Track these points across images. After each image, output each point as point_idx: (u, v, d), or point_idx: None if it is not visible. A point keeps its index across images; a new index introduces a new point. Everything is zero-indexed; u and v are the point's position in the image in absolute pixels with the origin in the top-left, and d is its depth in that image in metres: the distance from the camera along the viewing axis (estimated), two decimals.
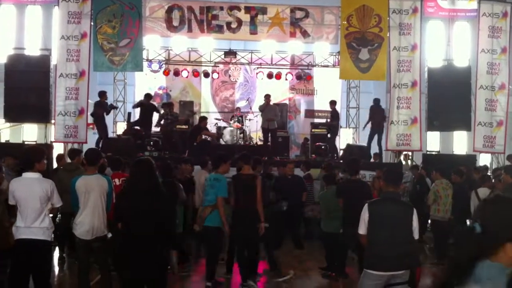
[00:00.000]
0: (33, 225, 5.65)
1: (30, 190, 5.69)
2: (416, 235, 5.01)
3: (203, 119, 15.97)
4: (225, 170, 8.11)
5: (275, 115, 16.01)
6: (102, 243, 6.35)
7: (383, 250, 4.98)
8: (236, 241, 8.05)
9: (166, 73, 18.39)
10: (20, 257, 5.75)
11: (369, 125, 16.46)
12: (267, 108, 16.04)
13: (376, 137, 16.12)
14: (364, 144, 16.51)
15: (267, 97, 16.26)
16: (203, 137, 15.54)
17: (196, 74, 18.66)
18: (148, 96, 16.19)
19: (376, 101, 16.34)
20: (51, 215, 6.13)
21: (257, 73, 18.73)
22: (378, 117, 15.95)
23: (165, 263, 5.92)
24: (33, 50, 17.00)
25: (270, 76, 18.43)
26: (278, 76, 18.44)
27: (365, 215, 5.20)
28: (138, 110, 16.32)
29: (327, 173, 10.47)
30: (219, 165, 8.07)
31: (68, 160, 10.06)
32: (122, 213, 5.41)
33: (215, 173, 8.05)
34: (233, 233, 7.90)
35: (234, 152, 11.92)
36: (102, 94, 15.43)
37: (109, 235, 6.53)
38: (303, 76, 19.09)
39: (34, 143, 16.09)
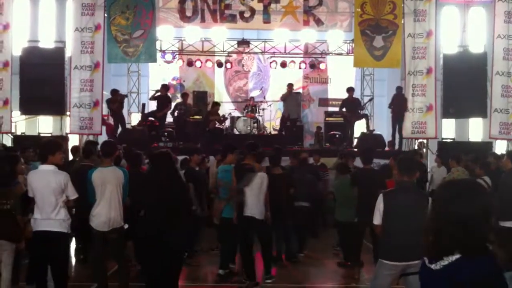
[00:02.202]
0: (49, 217, 5.72)
1: (45, 182, 5.75)
2: None
3: (214, 105, 15.92)
4: (231, 160, 8.09)
5: (297, 104, 15.99)
6: (118, 234, 6.40)
7: (399, 240, 4.97)
8: (244, 234, 7.85)
9: (181, 64, 18.44)
10: (37, 248, 5.83)
11: (390, 113, 16.25)
12: (289, 97, 16.06)
13: (397, 125, 15.83)
14: (379, 132, 16.40)
15: (290, 86, 16.24)
16: (216, 124, 15.50)
17: (216, 63, 18.55)
18: (165, 87, 15.99)
19: (399, 89, 15.98)
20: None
21: (270, 63, 18.63)
22: (399, 105, 15.59)
23: (182, 250, 6.12)
24: (47, 42, 17.11)
25: (283, 65, 18.35)
26: (283, 65, 18.34)
27: (380, 205, 5.17)
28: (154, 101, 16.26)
29: (341, 162, 10.43)
30: (226, 155, 8.07)
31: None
32: (144, 202, 5.84)
33: (223, 164, 8.05)
34: (241, 227, 7.77)
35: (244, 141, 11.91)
36: (114, 93, 15.41)
37: (126, 226, 6.58)
38: (316, 65, 18.98)
39: (50, 135, 16.26)
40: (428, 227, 2.38)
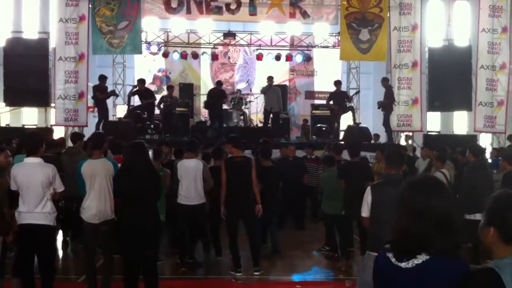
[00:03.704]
0: (35, 210, 5.64)
1: (31, 175, 5.68)
2: None
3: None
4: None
5: (278, 97, 15.72)
6: (109, 226, 6.36)
7: (386, 233, 4.99)
8: (231, 227, 7.89)
9: (166, 55, 18.30)
10: (23, 242, 5.77)
11: (375, 107, 16.23)
12: (269, 90, 15.73)
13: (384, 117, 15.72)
14: (365, 125, 16.46)
15: (270, 79, 15.83)
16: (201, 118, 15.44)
17: (195, 56, 18.48)
18: (141, 81, 15.53)
19: (386, 80, 15.63)
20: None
21: (257, 55, 18.52)
22: (390, 98, 15.48)
23: (157, 239, 6.29)
24: (31, 33, 16.91)
25: (278, 58, 18.21)
26: (278, 58, 18.33)
27: (368, 197, 5.19)
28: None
29: (328, 154, 10.46)
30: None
31: (70, 144, 10.05)
32: (121, 189, 6.04)
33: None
34: (228, 219, 7.80)
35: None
36: (102, 78, 15.16)
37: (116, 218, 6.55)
38: (304, 59, 18.99)
39: (35, 127, 16.11)
40: (398, 225, 2.35)
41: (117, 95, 16.60)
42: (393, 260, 2.38)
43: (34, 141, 5.89)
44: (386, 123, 15.42)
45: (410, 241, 2.31)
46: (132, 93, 15.56)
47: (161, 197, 6.79)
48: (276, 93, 15.66)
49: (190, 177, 7.79)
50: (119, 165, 6.58)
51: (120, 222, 6.22)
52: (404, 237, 2.33)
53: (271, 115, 15.82)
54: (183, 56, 18.51)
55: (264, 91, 15.87)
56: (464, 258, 2.32)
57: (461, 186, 8.44)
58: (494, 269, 2.13)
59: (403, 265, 2.33)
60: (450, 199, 2.37)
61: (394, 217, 4.94)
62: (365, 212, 5.24)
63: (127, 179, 5.97)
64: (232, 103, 16.80)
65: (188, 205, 7.81)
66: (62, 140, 11.18)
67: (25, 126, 16.72)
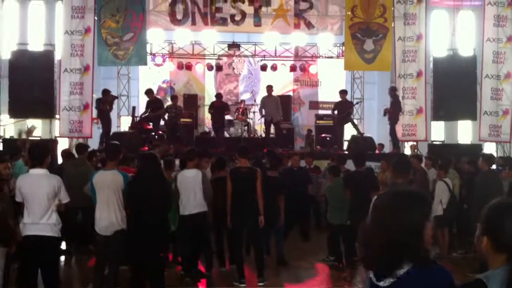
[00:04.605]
0: (40, 221, 5.63)
1: (37, 186, 5.67)
2: None
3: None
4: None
5: (277, 107, 15.63)
6: (119, 237, 6.33)
7: None
8: (235, 238, 7.99)
9: (189, 67, 18.39)
10: (28, 253, 5.75)
11: (381, 116, 16.19)
12: (268, 101, 15.60)
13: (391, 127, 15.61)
14: (369, 135, 16.43)
15: (268, 88, 15.74)
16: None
17: (206, 66, 18.51)
18: (149, 91, 15.56)
19: (393, 89, 15.55)
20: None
21: (261, 66, 18.57)
22: (396, 107, 15.37)
23: (164, 249, 6.57)
24: (36, 45, 16.99)
25: (274, 68, 18.36)
26: (275, 68, 18.37)
27: None
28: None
29: (333, 164, 10.44)
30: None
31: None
32: (131, 199, 6.22)
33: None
34: (233, 230, 7.87)
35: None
36: (105, 92, 15.10)
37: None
38: (306, 68, 19.02)
39: (39, 138, 16.12)
40: (377, 239, 2.28)
41: (116, 97, 16.39)
42: (373, 280, 2.33)
43: (40, 152, 5.89)
44: (393, 133, 15.36)
45: (391, 254, 2.24)
46: (145, 116, 15.49)
47: (172, 208, 6.80)
48: (274, 103, 15.60)
49: (190, 186, 7.75)
50: (130, 175, 6.60)
51: (128, 231, 6.29)
52: (384, 251, 2.26)
53: (271, 126, 15.76)
54: (188, 67, 18.56)
55: (263, 101, 15.84)
56: (442, 265, 2.30)
57: (474, 195, 8.40)
58: (482, 280, 2.11)
59: (381, 284, 2.28)
60: (427, 211, 2.33)
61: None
62: None
63: (138, 188, 6.13)
64: (236, 113, 16.80)
65: (189, 215, 7.76)
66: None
67: (30, 138, 16.70)
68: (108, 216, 6.31)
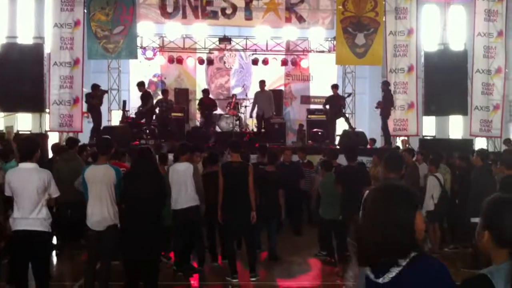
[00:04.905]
0: (30, 216, 5.56)
1: (27, 180, 5.60)
2: None
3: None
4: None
5: (269, 102, 15.64)
6: (112, 232, 6.28)
7: None
8: (227, 233, 7.96)
9: (201, 61, 18.37)
10: (18, 248, 5.69)
11: (372, 111, 16.21)
12: (261, 95, 15.64)
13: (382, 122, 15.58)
14: (361, 129, 16.42)
15: (261, 83, 15.79)
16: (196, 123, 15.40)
17: (197, 60, 18.45)
18: (141, 84, 15.45)
19: (386, 84, 15.49)
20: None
21: (252, 60, 18.54)
22: (388, 102, 15.29)
23: (158, 245, 6.47)
24: (26, 38, 16.81)
25: (265, 62, 18.33)
26: (266, 62, 18.35)
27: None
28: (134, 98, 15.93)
29: (325, 159, 10.42)
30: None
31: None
32: (126, 194, 6.21)
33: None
34: (224, 225, 7.83)
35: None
36: (94, 87, 14.98)
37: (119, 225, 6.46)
38: (298, 62, 19.01)
39: (29, 132, 16.01)
40: (372, 237, 2.26)
41: (106, 92, 16.23)
42: (372, 276, 2.31)
43: (29, 146, 5.82)
44: (385, 127, 15.36)
45: (385, 251, 2.23)
46: (137, 112, 15.43)
47: (167, 202, 6.77)
48: (268, 98, 15.59)
49: (181, 180, 7.69)
50: (122, 170, 6.54)
51: (122, 226, 6.27)
52: (378, 248, 2.24)
53: (263, 121, 15.74)
54: (179, 61, 18.48)
55: (256, 96, 15.84)
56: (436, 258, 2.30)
57: (470, 191, 8.40)
58: (486, 275, 2.11)
59: (380, 280, 2.26)
60: (414, 203, 2.32)
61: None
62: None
63: (133, 183, 6.17)
64: (228, 108, 16.75)
65: (180, 209, 7.70)
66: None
67: (20, 132, 16.57)
68: (101, 211, 6.24)
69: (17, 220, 5.63)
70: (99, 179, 6.28)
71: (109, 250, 6.42)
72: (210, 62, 18.70)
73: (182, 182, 7.69)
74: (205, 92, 16.34)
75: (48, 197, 5.71)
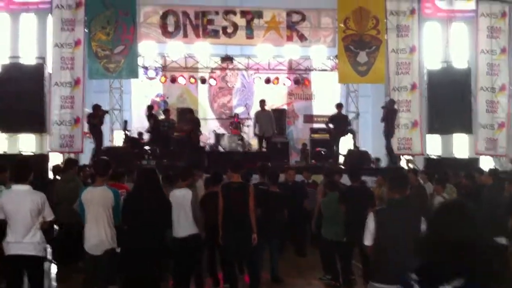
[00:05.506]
0: (23, 240, 5.42)
1: (20, 203, 5.47)
2: None
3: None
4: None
5: (270, 121, 15.50)
6: (110, 256, 6.11)
7: (391, 261, 4.75)
8: (227, 255, 7.67)
9: (164, 81, 18.22)
10: (11, 273, 5.53)
11: (375, 130, 16.06)
12: (262, 115, 15.49)
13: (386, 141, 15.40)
14: (365, 149, 16.25)
15: (261, 102, 15.66)
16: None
17: (195, 81, 18.38)
18: (148, 108, 15.78)
19: (392, 102, 15.32)
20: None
21: (254, 79, 18.48)
22: (392, 119, 15.09)
23: (158, 265, 6.30)
24: (28, 59, 16.77)
25: (267, 81, 18.25)
26: (276, 81, 18.27)
27: (370, 224, 4.93)
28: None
29: (329, 178, 10.23)
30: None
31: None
32: (128, 215, 6.11)
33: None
34: (224, 247, 7.54)
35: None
36: (95, 108, 14.88)
37: (118, 249, 6.27)
38: (301, 81, 18.92)
39: (32, 153, 15.85)
40: (432, 253, 2.17)
41: (107, 112, 16.17)
42: None
43: (22, 168, 5.68)
44: (389, 147, 15.15)
45: (445, 268, 2.17)
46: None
47: (171, 224, 6.72)
48: (268, 118, 15.46)
49: (180, 207, 7.19)
50: (121, 191, 6.40)
51: (122, 245, 6.19)
52: (438, 265, 2.18)
53: (263, 141, 15.56)
54: (181, 80, 18.38)
55: (256, 115, 15.69)
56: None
57: (483, 210, 8.20)
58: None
59: None
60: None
61: (399, 244, 4.71)
62: (368, 240, 4.96)
63: (135, 205, 6.09)
64: (230, 127, 16.63)
65: (179, 238, 7.23)
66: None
67: (22, 153, 16.44)
68: (98, 234, 6.07)
69: (10, 244, 5.49)
70: (96, 201, 6.12)
71: (106, 275, 6.24)
72: (203, 81, 18.49)
73: (181, 208, 7.38)
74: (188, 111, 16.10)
75: (42, 220, 5.55)
